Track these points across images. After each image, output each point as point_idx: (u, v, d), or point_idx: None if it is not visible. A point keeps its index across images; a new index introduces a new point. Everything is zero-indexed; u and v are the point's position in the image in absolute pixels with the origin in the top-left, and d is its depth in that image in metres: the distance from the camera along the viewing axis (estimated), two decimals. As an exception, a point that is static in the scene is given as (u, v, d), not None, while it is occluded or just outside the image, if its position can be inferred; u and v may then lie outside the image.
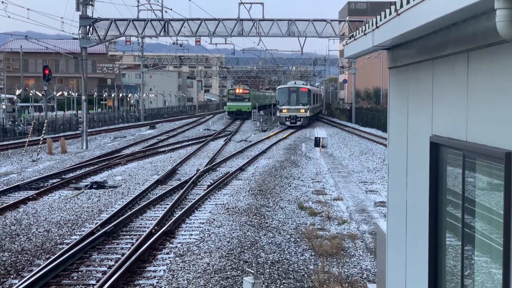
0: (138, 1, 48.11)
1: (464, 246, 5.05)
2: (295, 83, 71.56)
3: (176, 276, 12.82)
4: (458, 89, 5.02)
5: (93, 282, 12.74)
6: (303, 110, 66.69)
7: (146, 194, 23.29)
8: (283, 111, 67.04)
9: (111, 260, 14.38)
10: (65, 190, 24.54)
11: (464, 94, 4.84)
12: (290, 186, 25.54)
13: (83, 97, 44.95)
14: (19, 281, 12.50)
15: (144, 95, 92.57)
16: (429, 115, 5.88)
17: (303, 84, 71.96)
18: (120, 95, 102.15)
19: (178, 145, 44.65)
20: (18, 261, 14.16)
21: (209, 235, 16.36)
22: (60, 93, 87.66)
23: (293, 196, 22.95)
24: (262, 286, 11.87)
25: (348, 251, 15.04)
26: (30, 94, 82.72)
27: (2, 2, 42.31)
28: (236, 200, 21.54)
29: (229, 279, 12.50)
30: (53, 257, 13.99)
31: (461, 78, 4.93)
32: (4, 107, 63.27)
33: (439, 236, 5.74)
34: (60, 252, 14.34)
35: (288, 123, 66.53)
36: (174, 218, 18.21)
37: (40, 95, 75.95)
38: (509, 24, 3.52)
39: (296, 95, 67.33)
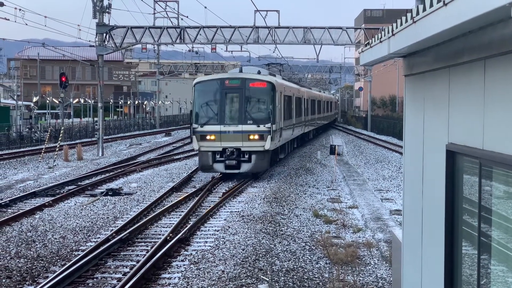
0: (154, 9, 48.35)
1: (480, 255, 5.01)
2: (240, 71, 31.83)
3: (191, 283, 12.81)
4: (474, 97, 4.99)
5: (108, 289, 12.77)
6: (256, 136, 29.09)
7: (161, 201, 23.33)
8: (208, 138, 28.98)
9: (126, 267, 14.41)
10: (81, 197, 24.63)
11: (481, 102, 4.81)
12: (305, 193, 25.50)
13: (100, 104, 45.16)
14: (34, 288, 12.55)
15: (159, 102, 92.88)
16: (445, 123, 5.85)
17: (259, 73, 32.09)
18: (136, 102, 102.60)
19: (193, 153, 44.71)
20: (34, 267, 14.22)
21: (224, 242, 16.35)
22: (77, 100, 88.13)
23: (308, 204, 22.90)
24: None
25: (364, 259, 14.98)
26: (47, 101, 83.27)
27: (20, 10, 42.64)
28: (251, 208, 21.53)
29: (244, 287, 12.48)
30: (68, 264, 14.04)
31: (477, 86, 4.90)
32: (21, 114, 63.69)
33: (455, 244, 5.70)
34: (76, 259, 14.38)
35: (220, 167, 29.07)
36: (189, 226, 18.22)
37: (57, 102, 76.47)
38: (526, 32, 3.50)
39: (239, 100, 29.54)
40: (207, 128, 28.88)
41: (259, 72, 32.18)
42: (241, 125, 28.83)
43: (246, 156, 28.90)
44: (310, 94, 51.89)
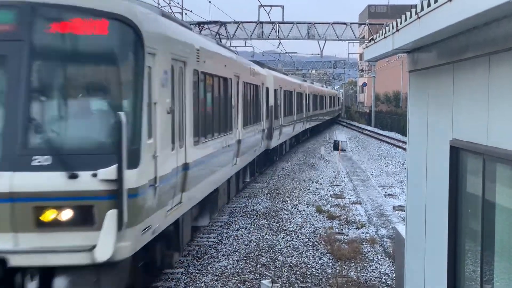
0: (158, 3, 48.28)
1: (483, 251, 5.00)
2: None
3: (194, 278, 12.82)
4: (479, 93, 4.98)
5: (111, 283, 12.78)
6: (67, 213, 7.69)
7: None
8: None
9: (129, 262, 14.41)
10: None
11: (485, 98, 4.80)
12: (309, 189, 25.49)
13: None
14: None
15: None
16: (449, 119, 5.84)
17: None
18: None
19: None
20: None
21: (227, 238, 16.36)
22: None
23: (311, 200, 22.89)
24: (279, 289, 11.85)
25: (367, 255, 14.97)
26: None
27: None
28: (254, 203, 21.53)
29: (247, 282, 12.49)
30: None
31: (482, 82, 4.89)
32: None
33: (458, 240, 5.70)
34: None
35: None
36: (192, 221, 18.01)
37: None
38: (531, 28, 3.49)
39: (9, 81, 7.87)
40: None
41: None
42: (12, 173, 7.92)
43: (33, 284, 8.13)
44: (286, 83, 34.45)
